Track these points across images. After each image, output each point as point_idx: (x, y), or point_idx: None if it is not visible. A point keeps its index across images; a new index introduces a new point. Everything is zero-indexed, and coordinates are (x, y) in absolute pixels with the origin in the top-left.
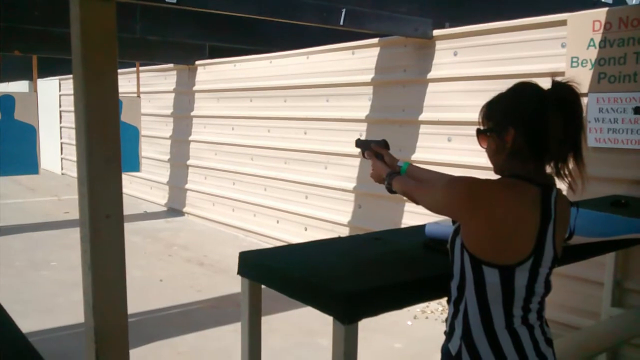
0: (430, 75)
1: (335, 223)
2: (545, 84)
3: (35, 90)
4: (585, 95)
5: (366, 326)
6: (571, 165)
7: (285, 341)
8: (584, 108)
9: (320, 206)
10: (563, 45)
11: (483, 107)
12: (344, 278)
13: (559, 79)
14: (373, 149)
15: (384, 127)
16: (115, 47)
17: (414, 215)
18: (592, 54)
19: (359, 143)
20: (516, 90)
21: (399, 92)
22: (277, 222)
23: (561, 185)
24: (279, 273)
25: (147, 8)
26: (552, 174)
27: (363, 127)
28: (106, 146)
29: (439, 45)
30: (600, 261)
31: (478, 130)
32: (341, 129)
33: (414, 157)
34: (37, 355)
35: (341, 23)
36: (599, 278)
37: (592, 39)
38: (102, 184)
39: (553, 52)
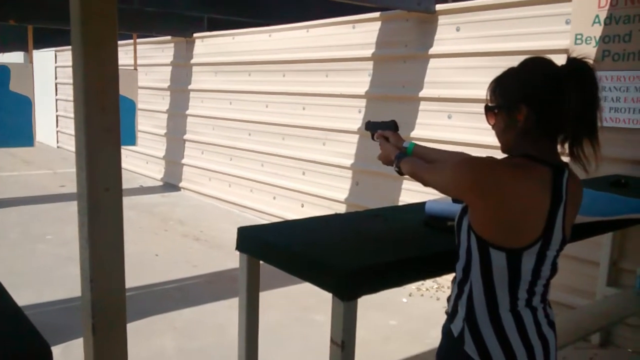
0: (432, 50)
1: (332, 200)
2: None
3: (31, 61)
4: None
5: (361, 303)
6: (585, 145)
7: (281, 317)
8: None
9: (318, 183)
10: (567, 22)
11: (492, 82)
12: (343, 255)
13: (574, 54)
14: (380, 132)
15: (383, 103)
16: (115, 16)
17: (412, 192)
18: (597, 31)
19: (368, 126)
20: (529, 66)
21: (400, 68)
22: (274, 198)
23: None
24: (278, 249)
25: None
26: (564, 153)
27: (362, 103)
28: (105, 117)
29: (441, 20)
30: (596, 241)
31: (487, 107)
32: (340, 104)
33: (414, 134)
34: (33, 328)
35: None
36: (595, 258)
37: (597, 16)
38: (101, 156)
39: (557, 28)
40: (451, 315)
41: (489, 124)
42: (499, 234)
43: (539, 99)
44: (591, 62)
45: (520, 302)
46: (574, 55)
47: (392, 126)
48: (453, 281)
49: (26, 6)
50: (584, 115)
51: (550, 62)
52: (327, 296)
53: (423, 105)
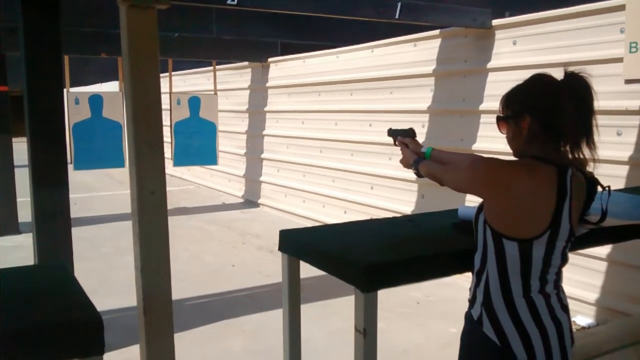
0: (490, 65)
1: (399, 213)
2: (605, 70)
3: (121, 90)
4: None
5: (422, 312)
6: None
7: (344, 323)
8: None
9: (385, 196)
10: (622, 31)
11: (503, 96)
12: (366, 253)
13: (571, 69)
14: (400, 138)
15: (445, 117)
16: (156, 50)
17: (475, 204)
18: None
19: (390, 132)
20: (532, 81)
21: (460, 83)
22: (345, 212)
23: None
24: (312, 248)
25: (222, 10)
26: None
27: (425, 117)
28: (150, 133)
29: (498, 34)
30: None
31: (498, 117)
32: (405, 120)
33: (475, 146)
34: (88, 301)
35: (397, 16)
36: None
37: None
38: (147, 165)
39: (612, 38)
40: (471, 301)
41: (501, 132)
42: (511, 225)
43: (539, 109)
44: (586, 75)
45: (533, 288)
46: (570, 69)
47: (411, 133)
48: (472, 272)
49: (116, 40)
50: (580, 121)
51: (550, 77)
52: (389, 305)
53: (484, 118)
